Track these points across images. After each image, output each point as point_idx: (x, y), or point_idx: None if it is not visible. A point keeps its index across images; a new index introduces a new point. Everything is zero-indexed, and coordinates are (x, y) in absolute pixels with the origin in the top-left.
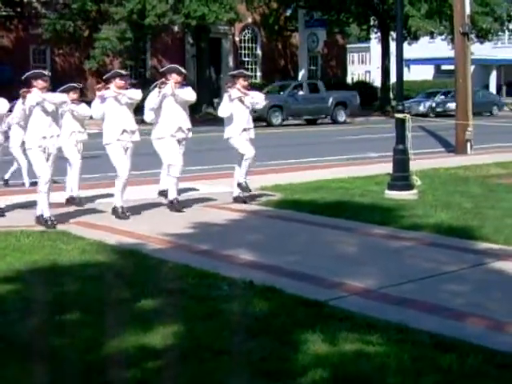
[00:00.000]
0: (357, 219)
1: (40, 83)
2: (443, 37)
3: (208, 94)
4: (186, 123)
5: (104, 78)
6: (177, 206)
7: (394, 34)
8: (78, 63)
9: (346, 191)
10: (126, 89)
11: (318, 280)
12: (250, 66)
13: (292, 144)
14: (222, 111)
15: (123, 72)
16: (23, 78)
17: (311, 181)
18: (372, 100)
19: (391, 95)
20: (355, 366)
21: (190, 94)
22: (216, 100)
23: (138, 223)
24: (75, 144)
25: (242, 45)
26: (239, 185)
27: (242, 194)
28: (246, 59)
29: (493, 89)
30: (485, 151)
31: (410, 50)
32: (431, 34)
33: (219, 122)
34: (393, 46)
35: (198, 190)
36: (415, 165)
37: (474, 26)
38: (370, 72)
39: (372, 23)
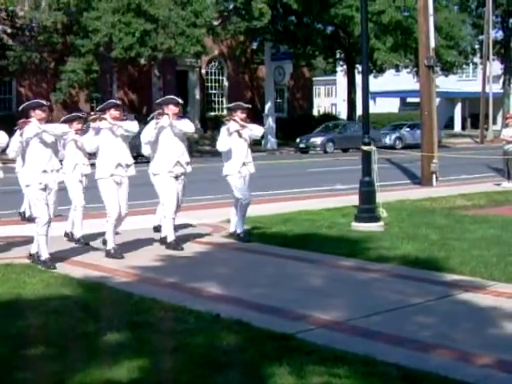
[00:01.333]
0: (324, 251)
1: (38, 114)
2: (408, 70)
3: None
4: (185, 157)
5: (98, 109)
6: (175, 247)
7: (359, 67)
8: (45, 94)
9: (313, 223)
10: (122, 120)
11: (285, 313)
12: (216, 99)
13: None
14: (221, 145)
15: (118, 102)
16: (20, 108)
17: (278, 213)
18: None
19: None
20: None
21: (188, 126)
22: None
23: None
24: (79, 179)
25: (209, 77)
26: (236, 234)
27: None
28: (213, 91)
29: (458, 121)
30: (450, 183)
31: (376, 83)
32: (397, 67)
33: None
34: (358, 78)
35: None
36: (381, 197)
37: (438, 59)
38: (336, 105)
39: (338, 56)
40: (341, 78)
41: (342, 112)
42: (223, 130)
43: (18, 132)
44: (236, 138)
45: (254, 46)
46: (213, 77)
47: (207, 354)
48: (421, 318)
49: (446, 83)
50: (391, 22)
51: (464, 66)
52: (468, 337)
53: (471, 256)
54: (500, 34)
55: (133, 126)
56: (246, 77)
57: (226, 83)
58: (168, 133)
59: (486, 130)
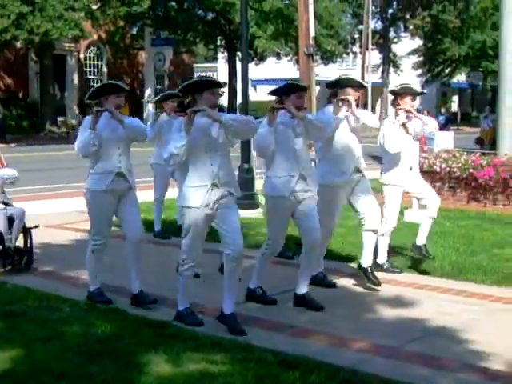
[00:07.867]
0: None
1: (210, 98)
2: (289, 58)
3: (51, 112)
4: (361, 160)
5: (273, 90)
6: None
7: (240, 54)
8: None
9: None
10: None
11: (162, 300)
12: (95, 84)
13: None
14: (392, 145)
15: (303, 84)
16: (179, 89)
17: None
18: None
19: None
20: None
21: (372, 118)
22: (60, 118)
23: None
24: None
25: (88, 62)
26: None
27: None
28: (92, 77)
29: None
30: None
31: (257, 71)
32: (277, 55)
33: (62, 140)
34: (240, 66)
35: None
36: (261, 184)
37: (318, 48)
38: None
39: (219, 43)
40: (222, 65)
41: (223, 99)
42: (387, 122)
43: (180, 121)
44: (402, 133)
45: (134, 31)
46: (91, 62)
47: (82, 343)
48: None
49: (327, 72)
50: (272, 10)
51: (344, 55)
52: (344, 322)
53: (348, 242)
54: (379, 24)
55: (327, 120)
56: (126, 62)
57: (104, 69)
58: (343, 126)
59: None
